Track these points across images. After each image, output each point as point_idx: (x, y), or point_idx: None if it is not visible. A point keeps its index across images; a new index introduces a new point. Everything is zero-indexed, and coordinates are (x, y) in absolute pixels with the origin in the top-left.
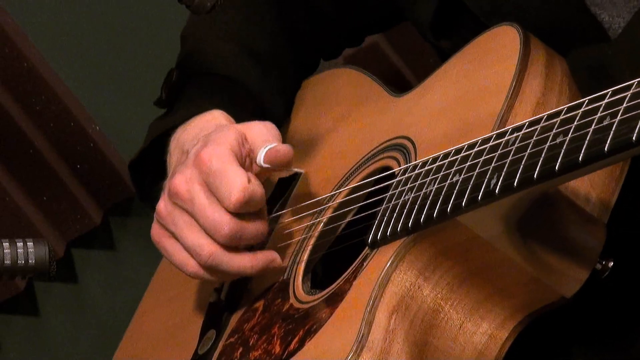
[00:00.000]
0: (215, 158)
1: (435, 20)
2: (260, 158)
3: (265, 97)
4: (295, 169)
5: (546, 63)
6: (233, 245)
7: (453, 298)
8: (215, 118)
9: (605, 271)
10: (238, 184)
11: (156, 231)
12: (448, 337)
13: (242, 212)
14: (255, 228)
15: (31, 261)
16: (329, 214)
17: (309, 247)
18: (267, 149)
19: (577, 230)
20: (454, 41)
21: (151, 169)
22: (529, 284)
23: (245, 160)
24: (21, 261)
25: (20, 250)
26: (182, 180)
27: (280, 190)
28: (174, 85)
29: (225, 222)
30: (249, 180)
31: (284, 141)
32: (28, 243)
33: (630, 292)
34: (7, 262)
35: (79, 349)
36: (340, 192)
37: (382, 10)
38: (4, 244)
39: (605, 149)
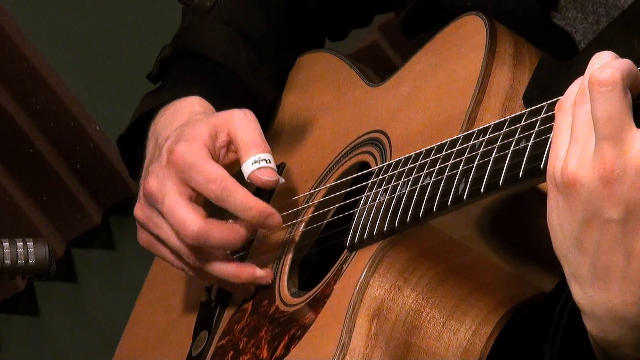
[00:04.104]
0: (188, 154)
1: (409, 18)
2: (246, 174)
3: (258, 83)
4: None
5: (514, 53)
6: (200, 246)
7: (434, 297)
8: (192, 104)
9: None
10: (215, 174)
11: (142, 238)
12: (432, 337)
13: (220, 202)
14: (226, 231)
15: (31, 261)
16: (310, 213)
17: (293, 247)
18: (256, 167)
19: None
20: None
21: (141, 144)
22: (508, 280)
23: (220, 152)
24: (21, 261)
25: (20, 250)
26: (154, 180)
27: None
28: (166, 60)
29: (191, 220)
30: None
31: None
32: (28, 243)
33: None
34: (7, 262)
35: (79, 349)
36: (320, 190)
37: None
38: (4, 244)
39: None
